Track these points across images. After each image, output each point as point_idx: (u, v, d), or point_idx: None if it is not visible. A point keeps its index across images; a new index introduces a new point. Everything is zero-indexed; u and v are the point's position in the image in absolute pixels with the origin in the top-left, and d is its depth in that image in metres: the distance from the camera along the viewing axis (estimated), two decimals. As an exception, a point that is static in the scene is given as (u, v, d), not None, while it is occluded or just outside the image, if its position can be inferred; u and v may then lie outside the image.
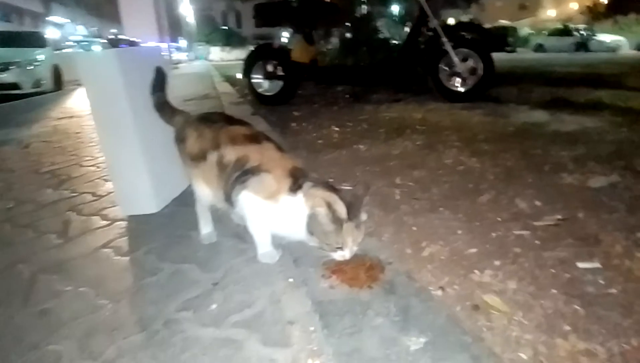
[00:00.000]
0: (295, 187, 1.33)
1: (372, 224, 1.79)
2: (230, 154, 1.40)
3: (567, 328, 1.12)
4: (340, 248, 1.29)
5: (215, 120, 1.56)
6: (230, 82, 9.04)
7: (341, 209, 1.27)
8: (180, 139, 1.59)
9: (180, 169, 1.69)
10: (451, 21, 9.50)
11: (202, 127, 1.52)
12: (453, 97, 5.04)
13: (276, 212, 1.35)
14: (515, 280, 1.34)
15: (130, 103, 1.81)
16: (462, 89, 5.02)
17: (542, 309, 1.20)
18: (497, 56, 5.05)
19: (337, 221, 1.26)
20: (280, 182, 1.34)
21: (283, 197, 1.33)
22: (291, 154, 1.53)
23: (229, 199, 1.42)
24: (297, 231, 1.37)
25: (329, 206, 1.25)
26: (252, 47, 6.64)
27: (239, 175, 1.37)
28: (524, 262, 1.45)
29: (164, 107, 1.74)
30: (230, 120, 1.57)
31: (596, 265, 1.41)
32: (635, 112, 4.02)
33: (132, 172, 1.90)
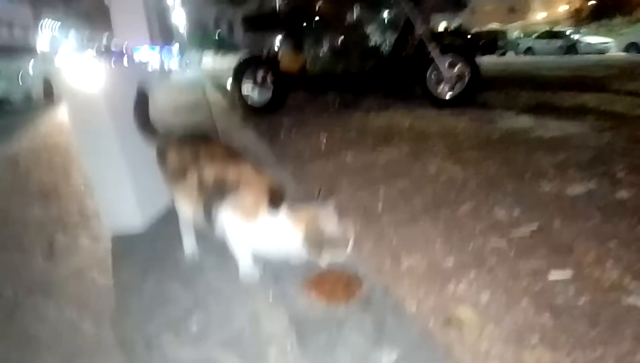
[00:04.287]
0: (275, 206, 1.36)
1: (353, 237, 1.82)
2: (209, 173, 1.43)
3: (535, 339, 1.16)
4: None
5: (195, 139, 1.59)
6: (220, 90, 9.07)
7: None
8: (161, 158, 1.62)
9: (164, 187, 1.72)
10: (442, 25, 9.59)
11: (182, 146, 1.56)
12: (441, 103, 5.11)
13: (256, 230, 1.38)
14: (488, 291, 1.38)
15: (113, 120, 1.84)
16: (449, 96, 5.09)
17: (512, 321, 1.24)
18: (485, 60, 5.13)
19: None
20: (259, 201, 1.37)
21: (263, 215, 1.36)
22: (270, 172, 1.57)
23: (208, 218, 1.45)
24: (281, 247, 1.41)
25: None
26: (243, 55, 6.69)
27: (217, 194, 1.40)
28: (499, 273, 1.49)
29: (146, 128, 1.77)
30: (209, 139, 1.61)
31: (567, 275, 1.45)
32: (618, 117, 4.08)
33: (117, 190, 1.93)
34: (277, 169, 2.71)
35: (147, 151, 1.77)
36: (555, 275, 1.45)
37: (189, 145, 1.54)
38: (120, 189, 1.92)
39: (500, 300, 1.34)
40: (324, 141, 3.79)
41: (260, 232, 1.38)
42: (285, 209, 1.36)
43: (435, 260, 1.62)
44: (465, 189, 2.36)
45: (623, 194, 2.15)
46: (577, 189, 2.26)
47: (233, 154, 1.51)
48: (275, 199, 1.38)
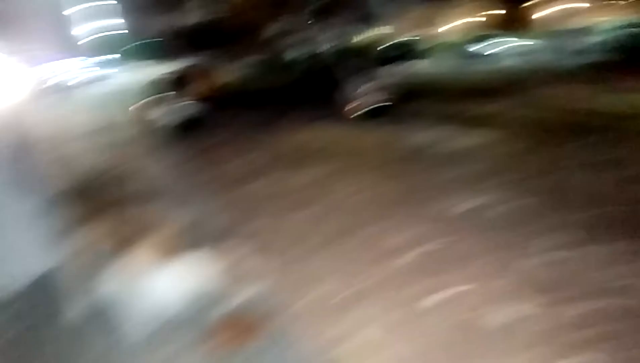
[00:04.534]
0: (176, 255, 1.40)
1: (262, 274, 1.87)
2: (104, 225, 1.44)
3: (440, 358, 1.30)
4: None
5: (96, 188, 1.60)
6: (147, 106, 8.66)
7: None
8: (56, 208, 1.60)
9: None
10: (362, 37, 9.89)
11: (82, 196, 1.55)
12: (359, 116, 5.27)
13: (158, 281, 1.40)
14: (395, 312, 1.54)
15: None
16: (367, 109, 5.26)
17: (419, 339, 1.40)
18: (402, 69, 5.28)
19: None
20: (159, 251, 1.40)
21: (163, 266, 1.39)
22: (180, 212, 1.59)
23: (106, 270, 1.45)
24: (184, 294, 1.43)
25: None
26: (170, 70, 6.58)
27: (115, 246, 1.41)
28: (394, 299, 1.64)
29: (25, 180, 1.72)
30: (111, 186, 1.62)
31: (467, 289, 1.63)
32: (519, 125, 4.39)
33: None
34: (192, 200, 2.68)
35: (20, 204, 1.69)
36: (456, 290, 1.62)
37: (88, 196, 1.54)
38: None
39: (391, 330, 1.48)
40: (244, 164, 3.81)
41: (163, 282, 1.41)
42: (187, 256, 1.40)
43: (342, 289, 1.74)
44: (373, 212, 2.51)
45: (520, 203, 2.37)
46: (480, 201, 2.45)
47: (134, 200, 1.53)
48: (175, 249, 1.42)
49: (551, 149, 3.44)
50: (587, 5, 13.24)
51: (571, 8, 14.13)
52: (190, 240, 1.46)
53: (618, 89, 5.73)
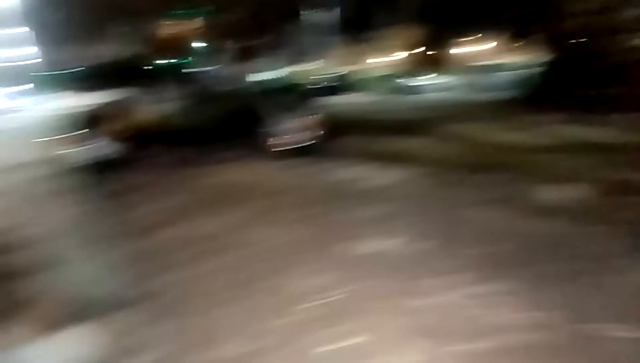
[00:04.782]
0: (62, 327, 1.31)
1: (165, 332, 1.77)
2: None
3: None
4: None
5: None
6: (63, 140, 8.14)
7: None
8: None
9: None
10: (291, 72, 10.14)
11: None
12: (285, 154, 5.31)
13: (36, 357, 1.29)
14: None
15: None
16: (293, 146, 5.32)
17: None
18: (331, 105, 5.38)
19: None
20: (43, 324, 1.30)
21: (47, 340, 1.29)
22: (65, 285, 1.50)
23: None
24: None
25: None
26: (92, 106, 6.28)
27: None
28: (292, 352, 1.64)
29: None
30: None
31: (367, 338, 1.65)
32: (437, 162, 4.66)
33: None
34: (93, 256, 2.46)
35: None
36: (351, 339, 1.65)
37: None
38: None
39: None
40: (160, 208, 3.67)
41: (44, 359, 1.29)
42: (75, 327, 1.31)
43: (241, 345, 1.70)
44: (284, 258, 2.51)
45: (421, 244, 2.48)
46: (382, 244, 2.55)
47: (24, 263, 1.43)
48: (62, 320, 1.32)
49: (457, 186, 3.69)
50: (498, 46, 14.76)
51: (483, 49, 15.79)
52: (81, 307, 1.36)
53: (521, 125, 6.34)
